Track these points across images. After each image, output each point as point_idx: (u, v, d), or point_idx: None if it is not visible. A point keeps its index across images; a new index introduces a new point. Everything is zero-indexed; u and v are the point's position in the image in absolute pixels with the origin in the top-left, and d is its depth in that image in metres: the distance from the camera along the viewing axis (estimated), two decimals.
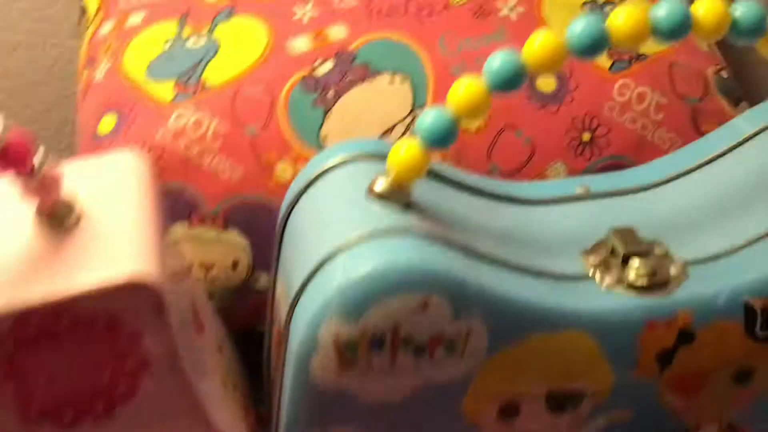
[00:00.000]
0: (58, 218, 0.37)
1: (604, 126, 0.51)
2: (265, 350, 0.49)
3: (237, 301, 0.52)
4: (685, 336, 0.40)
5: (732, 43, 0.39)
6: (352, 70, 0.52)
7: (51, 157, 0.38)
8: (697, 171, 0.46)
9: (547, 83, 0.52)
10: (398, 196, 0.40)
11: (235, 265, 0.51)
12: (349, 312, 0.36)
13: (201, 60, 0.53)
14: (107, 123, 0.52)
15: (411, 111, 0.51)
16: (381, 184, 0.40)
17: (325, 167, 0.43)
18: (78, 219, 0.37)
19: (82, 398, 0.36)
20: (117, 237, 0.37)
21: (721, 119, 0.51)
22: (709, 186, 0.46)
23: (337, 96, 0.51)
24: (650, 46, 0.53)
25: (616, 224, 0.43)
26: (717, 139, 0.47)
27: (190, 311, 0.43)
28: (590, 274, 0.41)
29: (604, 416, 0.42)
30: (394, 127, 0.51)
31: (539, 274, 0.41)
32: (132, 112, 0.52)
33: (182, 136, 0.50)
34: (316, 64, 0.52)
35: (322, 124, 0.51)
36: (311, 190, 0.43)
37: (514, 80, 0.38)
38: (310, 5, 0.55)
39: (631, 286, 0.40)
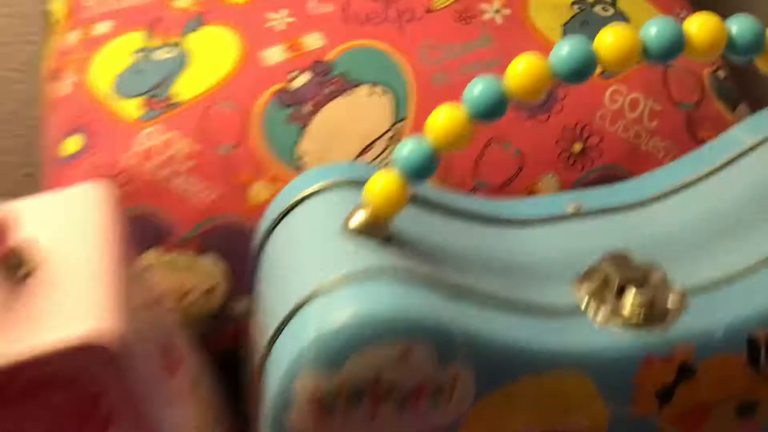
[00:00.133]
0: (10, 269, 0.34)
1: (595, 135, 0.49)
2: (244, 378, 0.47)
3: (216, 327, 0.50)
4: (686, 371, 0.38)
5: (728, 60, 0.36)
6: (329, 81, 0.49)
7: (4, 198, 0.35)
8: (695, 186, 0.44)
9: None
10: (376, 231, 0.37)
11: (211, 290, 0.49)
12: (326, 364, 0.34)
13: (170, 73, 0.50)
14: (72, 144, 0.49)
15: (392, 125, 0.48)
16: (358, 219, 0.37)
17: (300, 196, 0.40)
18: (32, 270, 0.35)
19: None
20: (74, 290, 0.35)
21: (719, 125, 0.49)
22: (708, 202, 0.43)
23: (315, 110, 0.48)
24: None
25: (610, 246, 0.41)
26: (715, 150, 0.45)
27: (160, 352, 0.40)
28: (583, 308, 0.39)
29: None
30: (374, 142, 0.48)
31: (529, 309, 0.38)
32: (97, 132, 0.49)
33: (151, 157, 0.48)
34: (291, 76, 0.49)
35: (298, 141, 0.48)
36: (287, 220, 0.41)
37: (495, 109, 0.35)
38: (283, 12, 0.52)
39: (627, 322, 0.38)
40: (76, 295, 0.34)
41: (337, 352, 0.34)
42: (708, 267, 0.40)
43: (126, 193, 0.47)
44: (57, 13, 0.58)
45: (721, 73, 0.52)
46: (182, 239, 0.48)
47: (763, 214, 0.42)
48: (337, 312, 0.34)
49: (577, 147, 0.49)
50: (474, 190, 0.48)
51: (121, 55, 0.52)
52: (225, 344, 0.51)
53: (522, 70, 0.35)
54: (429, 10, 0.51)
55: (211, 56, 0.51)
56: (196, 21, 0.52)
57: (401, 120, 0.48)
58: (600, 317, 0.38)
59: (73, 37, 0.55)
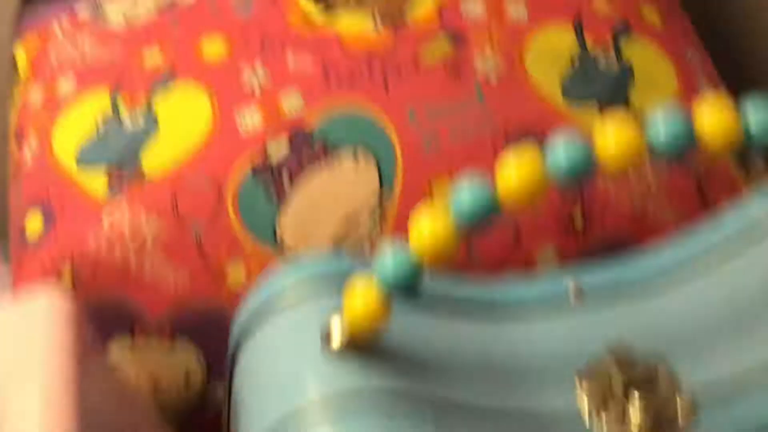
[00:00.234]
0: None
1: (598, 201, 0.45)
2: None
3: (193, 415, 0.46)
4: None
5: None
6: (309, 149, 0.45)
7: None
8: (706, 269, 0.40)
9: None
10: (357, 348, 0.34)
11: (187, 377, 0.46)
12: None
13: (137, 141, 0.47)
14: (35, 222, 0.46)
15: (378, 196, 0.45)
16: (337, 336, 0.34)
17: (276, 304, 0.37)
18: None
19: None
20: (24, 415, 0.32)
21: (732, 188, 0.45)
22: (721, 289, 0.40)
23: (293, 183, 0.45)
24: (648, 103, 0.47)
25: (613, 336, 0.38)
26: (729, 226, 0.41)
27: None
28: (585, 416, 0.35)
29: None
30: (359, 214, 0.45)
31: (526, 420, 0.35)
32: (61, 210, 0.45)
33: (117, 240, 0.44)
34: (269, 144, 0.46)
35: (277, 218, 0.44)
36: (264, 326, 0.37)
37: (485, 218, 0.32)
38: (259, 68, 0.48)
39: None
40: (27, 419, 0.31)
41: None
42: (720, 364, 0.37)
43: (91, 278, 0.44)
44: (21, 61, 0.55)
45: None
46: (154, 326, 0.44)
47: None
48: None
49: (578, 214, 0.45)
50: (468, 262, 0.45)
51: (85, 120, 0.48)
52: None
53: (515, 175, 0.31)
54: (417, 66, 0.48)
55: (181, 121, 0.47)
56: (167, 77, 0.49)
57: (388, 188, 0.45)
58: (603, 427, 0.35)
59: (36, 93, 0.51)
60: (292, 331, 0.36)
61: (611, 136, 0.31)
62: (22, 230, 0.46)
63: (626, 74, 0.48)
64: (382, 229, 0.44)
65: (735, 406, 0.35)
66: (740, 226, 0.40)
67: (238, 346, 0.39)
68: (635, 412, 0.35)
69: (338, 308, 0.34)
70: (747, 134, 0.31)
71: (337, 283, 0.36)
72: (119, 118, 0.48)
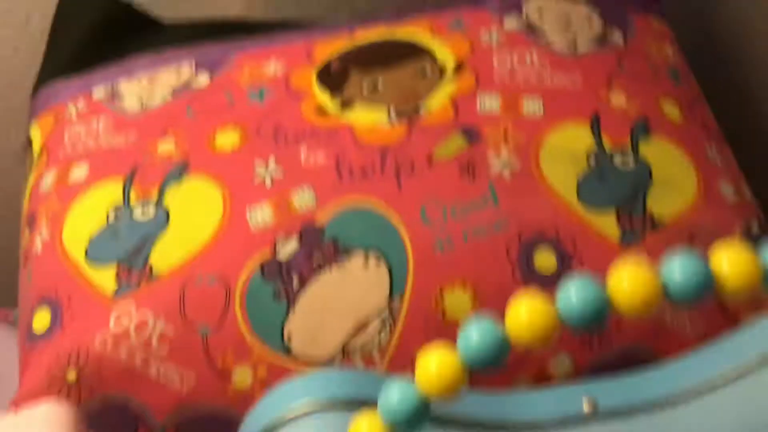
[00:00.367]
0: None
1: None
2: None
3: None
4: None
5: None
6: (319, 249, 0.45)
7: None
8: (723, 385, 0.39)
9: (546, 261, 0.44)
10: None
11: None
12: None
13: (148, 236, 0.46)
14: (43, 317, 0.45)
15: (388, 300, 0.44)
16: None
17: (282, 420, 0.36)
18: None
19: None
20: None
21: (755, 302, 0.44)
22: (736, 407, 0.38)
23: (303, 285, 0.44)
24: (666, 207, 0.46)
25: None
26: (749, 343, 0.40)
27: None
28: None
29: None
30: (368, 320, 0.44)
31: None
32: (69, 308, 0.45)
33: (124, 340, 0.43)
34: (279, 242, 0.45)
35: (285, 320, 0.44)
36: None
37: (494, 358, 0.31)
38: (272, 162, 0.48)
39: None
40: None
41: None
42: None
43: (96, 377, 0.43)
44: (35, 140, 0.54)
45: (755, 226, 0.47)
46: (158, 429, 0.44)
47: None
48: None
49: None
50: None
51: (97, 212, 0.48)
52: None
53: (525, 317, 0.30)
54: (431, 162, 0.47)
55: (192, 216, 0.46)
56: (179, 170, 0.48)
57: (399, 294, 0.44)
58: None
59: (49, 179, 0.51)
60: None
61: (626, 280, 0.30)
62: (29, 325, 0.46)
63: (644, 176, 0.47)
64: (392, 335, 0.43)
65: None
66: (761, 343, 0.39)
67: None
68: None
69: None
70: (766, 277, 0.30)
71: (350, 400, 0.36)
72: (130, 210, 0.47)
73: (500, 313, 0.41)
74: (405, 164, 0.47)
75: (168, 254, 0.45)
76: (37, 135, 0.55)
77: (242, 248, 0.45)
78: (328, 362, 0.43)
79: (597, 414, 0.39)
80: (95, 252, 0.46)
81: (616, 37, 0.52)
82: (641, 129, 0.48)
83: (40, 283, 0.47)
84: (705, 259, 0.30)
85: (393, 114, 0.49)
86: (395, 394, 0.32)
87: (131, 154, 0.50)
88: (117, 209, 0.47)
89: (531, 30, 0.52)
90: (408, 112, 0.49)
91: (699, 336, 0.44)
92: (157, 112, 0.51)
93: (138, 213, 0.47)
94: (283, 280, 0.44)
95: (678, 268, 0.30)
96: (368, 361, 0.43)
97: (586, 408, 0.39)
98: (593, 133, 0.48)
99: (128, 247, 0.46)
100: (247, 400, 0.43)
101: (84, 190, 0.49)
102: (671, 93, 0.51)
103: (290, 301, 0.44)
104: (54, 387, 0.43)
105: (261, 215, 0.46)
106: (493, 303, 0.44)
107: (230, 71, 0.53)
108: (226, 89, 0.52)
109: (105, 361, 0.43)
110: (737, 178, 0.49)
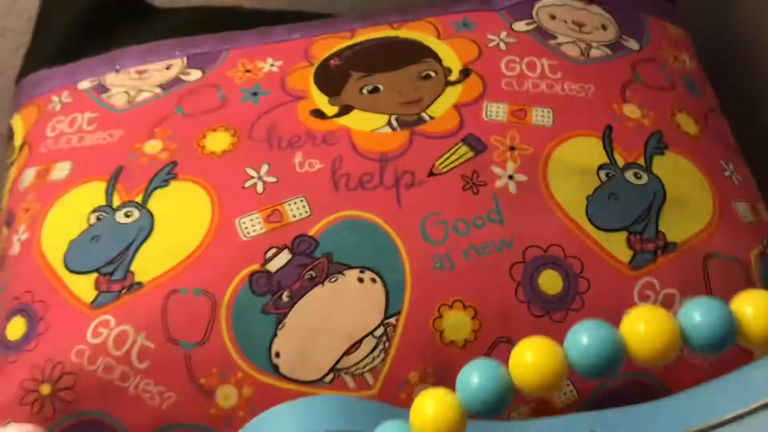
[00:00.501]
0: None
1: None
2: None
3: None
4: None
5: None
6: (311, 263, 0.42)
7: None
8: (730, 425, 0.37)
9: (552, 283, 0.42)
10: None
11: None
12: None
13: (130, 243, 0.43)
14: (18, 327, 0.43)
15: (383, 320, 0.41)
16: None
17: None
18: None
19: None
20: None
21: None
22: None
23: (293, 300, 0.41)
24: (680, 227, 0.44)
25: None
26: (756, 378, 0.38)
27: None
28: None
29: None
30: (362, 340, 0.41)
31: None
32: (45, 318, 0.42)
33: (102, 354, 0.41)
34: (269, 254, 0.42)
35: (273, 337, 0.41)
36: None
37: (496, 406, 0.28)
38: (265, 168, 0.45)
39: None
40: None
41: None
42: None
43: (72, 392, 0.41)
44: (17, 133, 0.52)
45: None
46: None
47: None
48: None
49: None
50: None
51: (77, 214, 0.45)
52: None
53: (531, 363, 0.27)
54: (432, 173, 0.44)
55: (178, 222, 0.44)
56: (166, 173, 0.45)
57: (394, 314, 0.41)
58: None
59: (29, 175, 0.48)
60: None
61: (641, 323, 0.27)
62: (2, 332, 0.43)
63: (658, 194, 0.44)
64: (386, 357, 0.41)
65: None
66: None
67: None
68: None
69: None
70: None
71: None
72: (113, 215, 0.44)
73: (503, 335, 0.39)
74: (405, 175, 0.44)
75: (151, 263, 0.43)
76: (19, 126, 0.52)
77: (230, 259, 0.42)
78: (318, 383, 0.41)
79: None
80: (74, 258, 0.44)
81: (631, 43, 0.50)
82: (656, 143, 0.46)
83: (16, 288, 0.44)
84: (728, 308, 0.28)
85: (394, 119, 0.46)
86: None
87: (116, 153, 0.47)
88: (99, 211, 0.45)
89: (542, 34, 0.49)
90: (410, 117, 0.46)
91: (709, 365, 0.42)
92: (144, 108, 0.49)
93: (121, 215, 0.44)
94: (272, 295, 0.41)
95: (698, 315, 0.28)
96: (360, 383, 0.41)
97: None
98: (605, 146, 0.45)
99: (110, 254, 0.43)
100: (230, 420, 0.41)
101: (65, 190, 0.46)
102: (687, 105, 0.48)
103: (279, 317, 0.41)
104: (26, 401, 0.41)
105: (251, 224, 0.43)
106: (495, 324, 0.41)
107: (224, 67, 0.50)
108: (219, 87, 0.49)
109: (81, 374, 0.41)
110: (754, 197, 0.47)
